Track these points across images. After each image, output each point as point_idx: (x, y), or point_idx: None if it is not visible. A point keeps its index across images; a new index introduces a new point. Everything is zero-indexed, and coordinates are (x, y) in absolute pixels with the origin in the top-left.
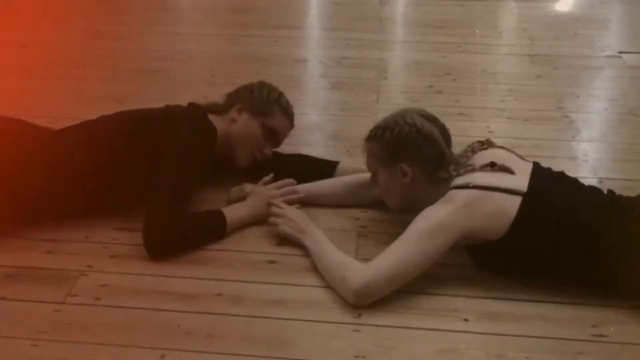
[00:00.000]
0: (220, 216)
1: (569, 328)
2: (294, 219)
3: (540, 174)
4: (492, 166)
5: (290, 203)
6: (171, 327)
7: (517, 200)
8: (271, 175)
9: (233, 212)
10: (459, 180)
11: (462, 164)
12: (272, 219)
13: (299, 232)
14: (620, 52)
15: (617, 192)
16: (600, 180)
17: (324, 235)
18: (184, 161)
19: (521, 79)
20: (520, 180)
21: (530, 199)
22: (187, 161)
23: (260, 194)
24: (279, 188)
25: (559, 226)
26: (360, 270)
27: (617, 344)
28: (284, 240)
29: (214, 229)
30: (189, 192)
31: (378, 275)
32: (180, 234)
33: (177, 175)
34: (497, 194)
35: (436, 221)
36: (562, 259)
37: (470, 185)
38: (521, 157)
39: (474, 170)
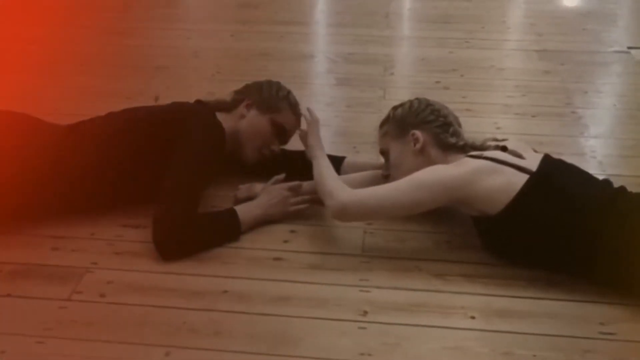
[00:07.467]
0: (234, 216)
1: (576, 326)
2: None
3: (551, 161)
4: (504, 150)
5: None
6: (176, 324)
7: (523, 178)
8: (283, 175)
9: (247, 212)
10: (472, 153)
11: (473, 143)
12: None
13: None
14: (629, 48)
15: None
16: (608, 177)
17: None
18: (195, 161)
19: (529, 74)
20: (531, 163)
21: (536, 179)
22: (198, 161)
23: (274, 192)
24: (291, 189)
25: (560, 211)
26: (350, 191)
27: (625, 342)
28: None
29: (228, 230)
30: (200, 192)
31: (363, 201)
32: (192, 234)
33: (188, 175)
34: (507, 168)
35: (439, 177)
36: (561, 248)
37: (483, 156)
38: (534, 150)
39: (484, 149)
